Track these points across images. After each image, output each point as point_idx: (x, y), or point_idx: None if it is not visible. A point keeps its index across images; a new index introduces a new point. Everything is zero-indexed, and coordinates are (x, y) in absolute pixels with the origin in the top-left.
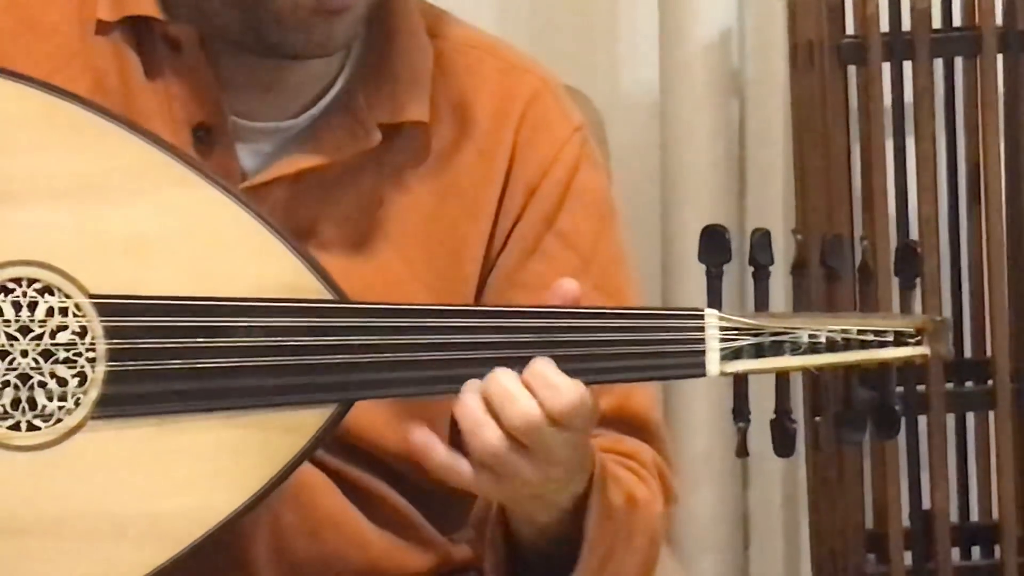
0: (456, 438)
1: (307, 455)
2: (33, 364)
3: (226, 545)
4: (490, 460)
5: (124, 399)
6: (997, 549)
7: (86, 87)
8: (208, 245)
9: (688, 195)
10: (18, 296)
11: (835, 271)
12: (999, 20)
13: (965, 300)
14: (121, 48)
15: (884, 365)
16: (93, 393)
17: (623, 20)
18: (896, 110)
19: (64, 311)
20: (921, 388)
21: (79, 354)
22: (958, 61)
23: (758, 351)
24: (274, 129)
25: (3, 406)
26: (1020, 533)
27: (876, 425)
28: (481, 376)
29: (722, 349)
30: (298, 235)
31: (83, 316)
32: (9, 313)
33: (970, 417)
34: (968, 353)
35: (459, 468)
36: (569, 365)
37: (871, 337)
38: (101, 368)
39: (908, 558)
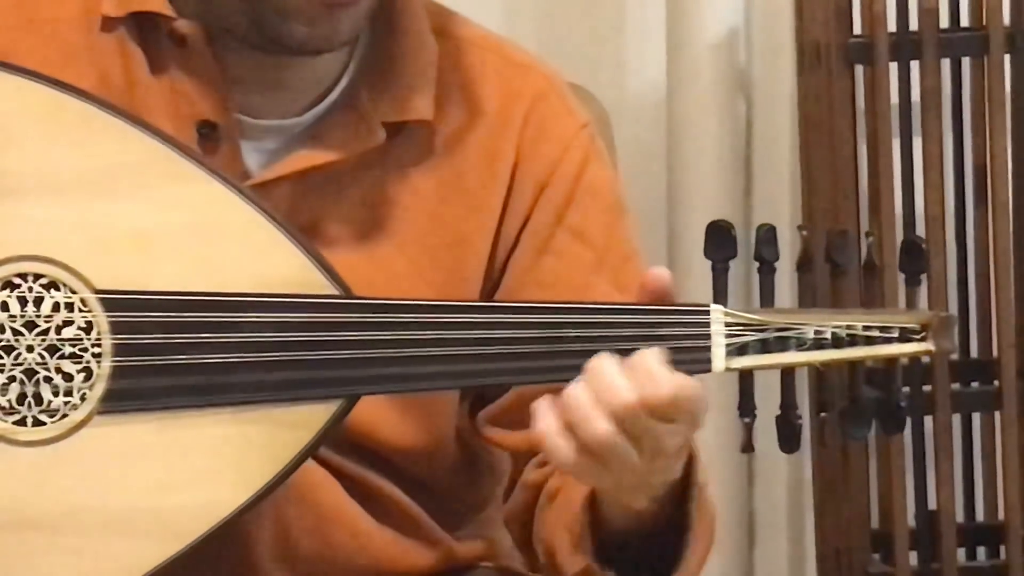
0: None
1: (312, 450)
2: (39, 359)
3: (231, 542)
4: (599, 449)
5: (130, 394)
6: (1003, 549)
7: (91, 83)
8: (213, 240)
9: (695, 194)
10: (24, 291)
11: (840, 267)
12: (1006, 20)
13: (971, 300)
14: (126, 44)
15: (889, 361)
16: (99, 388)
17: (630, 19)
18: (903, 110)
19: (70, 306)
20: (927, 388)
21: (85, 349)
22: (965, 61)
23: (764, 347)
24: (279, 127)
25: (9, 401)
26: None
27: (881, 421)
28: (486, 372)
29: (727, 345)
30: (302, 232)
31: (89, 311)
32: (15, 308)
33: (976, 417)
34: (974, 353)
35: (558, 446)
36: (578, 360)
37: (876, 333)
38: (107, 363)
39: (913, 558)
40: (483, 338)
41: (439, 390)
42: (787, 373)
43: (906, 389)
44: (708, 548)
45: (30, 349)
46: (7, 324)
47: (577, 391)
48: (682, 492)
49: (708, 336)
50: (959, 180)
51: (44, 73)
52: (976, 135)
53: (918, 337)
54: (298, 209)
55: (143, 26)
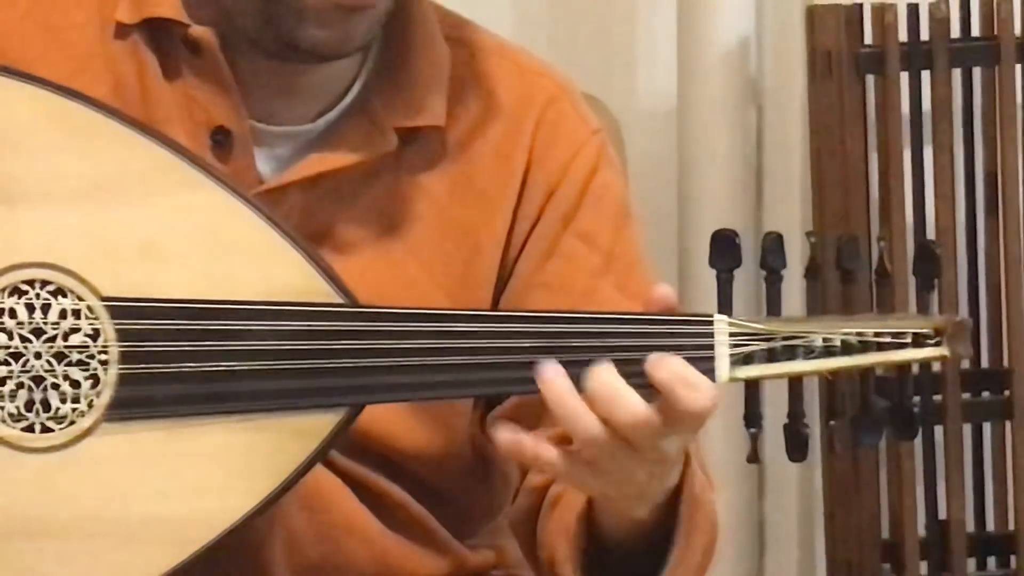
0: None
1: (318, 459)
2: (46, 366)
3: (241, 550)
4: (587, 450)
5: (136, 402)
6: (1013, 559)
7: (106, 90)
8: (220, 249)
9: (705, 202)
10: (31, 298)
11: (851, 273)
12: (1018, 30)
13: (982, 310)
14: (140, 51)
15: (901, 369)
16: (106, 395)
17: (641, 28)
18: (914, 119)
19: (77, 313)
20: (938, 398)
21: (92, 356)
22: (976, 71)
23: (770, 356)
24: (292, 133)
25: (17, 408)
26: None
27: (894, 428)
28: (491, 380)
29: (732, 355)
30: (315, 238)
31: (96, 318)
32: (22, 315)
33: (987, 427)
34: (985, 363)
35: (545, 455)
36: (582, 369)
37: (888, 339)
38: (114, 370)
39: (924, 568)
40: (489, 347)
41: (444, 399)
42: (795, 382)
43: (916, 398)
44: (708, 554)
45: (38, 356)
46: (15, 331)
47: (566, 400)
48: (677, 497)
49: (711, 346)
50: (970, 190)
51: (55, 80)
52: (987, 145)
53: (932, 342)
54: (311, 214)
55: (157, 33)
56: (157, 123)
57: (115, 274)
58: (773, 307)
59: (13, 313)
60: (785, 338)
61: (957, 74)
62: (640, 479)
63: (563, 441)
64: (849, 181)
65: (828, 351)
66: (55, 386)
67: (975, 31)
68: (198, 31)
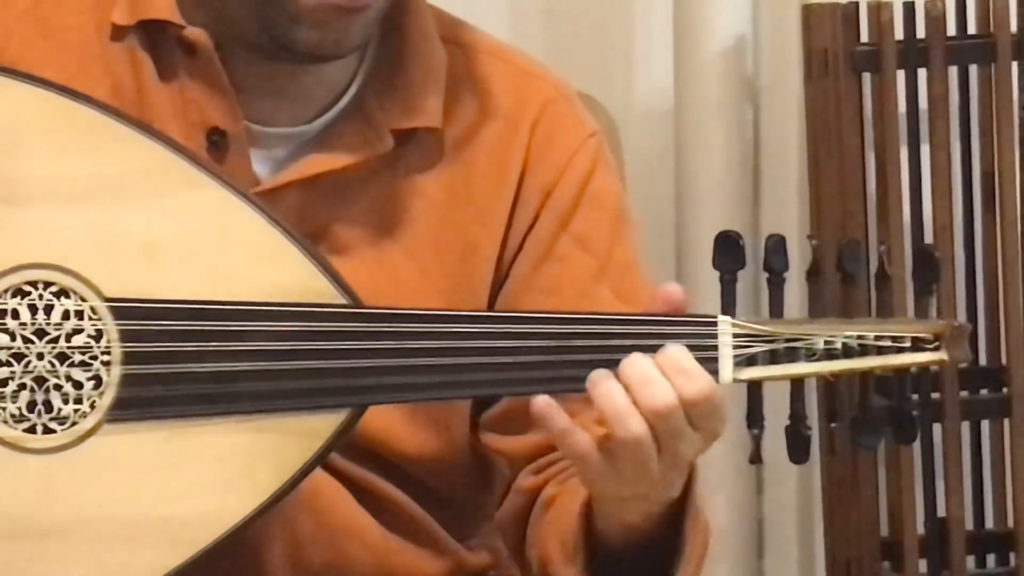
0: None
1: (320, 459)
2: (49, 367)
3: (241, 552)
4: (623, 447)
5: (139, 402)
6: (1012, 557)
7: (104, 91)
8: (222, 248)
9: (703, 202)
10: (34, 299)
11: (851, 276)
12: (1014, 27)
13: (980, 308)
14: (136, 52)
15: (900, 370)
16: (108, 396)
17: (638, 28)
18: (911, 118)
19: (80, 314)
20: (936, 396)
21: (94, 357)
22: (973, 68)
23: (772, 358)
24: (288, 134)
25: (19, 409)
26: None
27: (893, 431)
28: (493, 382)
29: (736, 356)
30: (311, 239)
31: (98, 319)
32: (25, 316)
33: (985, 425)
34: (983, 361)
35: (579, 438)
36: (584, 370)
37: (888, 343)
38: (116, 371)
39: (923, 566)
40: (490, 348)
41: (446, 399)
42: (797, 383)
43: (915, 397)
44: (700, 565)
45: (40, 357)
46: (17, 332)
47: (614, 391)
48: (676, 510)
49: (715, 347)
50: (967, 187)
51: (56, 81)
52: (984, 142)
53: (931, 347)
54: (307, 216)
55: (152, 34)
56: (153, 124)
57: (118, 275)
58: (775, 309)
59: (16, 314)
60: (787, 340)
61: (953, 72)
62: (652, 480)
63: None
64: (846, 179)
65: (829, 354)
66: (57, 387)
67: (971, 29)
68: (193, 32)
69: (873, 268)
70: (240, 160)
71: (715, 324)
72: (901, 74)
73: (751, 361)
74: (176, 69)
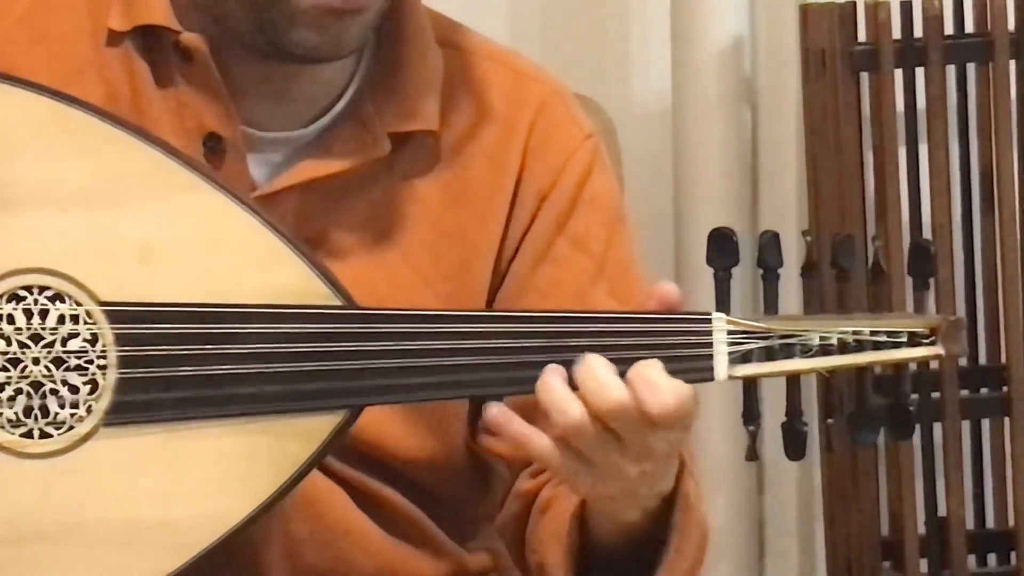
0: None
1: (317, 461)
2: (45, 372)
3: (240, 554)
4: (574, 438)
5: (135, 406)
6: (1013, 556)
7: (99, 98)
8: (218, 252)
9: (700, 202)
10: (29, 303)
11: (846, 271)
12: (1011, 26)
13: (979, 306)
14: (132, 58)
15: (898, 367)
16: (105, 400)
17: (635, 28)
18: (909, 117)
19: (75, 318)
20: (936, 395)
21: (90, 361)
22: (970, 67)
23: (768, 354)
24: (284, 139)
25: (16, 414)
26: None
27: (891, 427)
28: (489, 381)
29: (730, 353)
30: (308, 243)
31: (94, 323)
32: (20, 320)
33: (985, 423)
34: (983, 359)
35: (537, 440)
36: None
37: (884, 338)
38: (112, 375)
39: (924, 566)
40: (486, 348)
41: (443, 400)
42: (793, 380)
43: (915, 396)
44: (698, 563)
45: (36, 361)
46: (13, 337)
47: (550, 378)
48: (672, 504)
49: (710, 344)
50: (965, 187)
51: (50, 87)
52: (982, 141)
53: (927, 341)
54: (304, 220)
55: (148, 40)
56: (149, 130)
57: (113, 278)
58: (770, 305)
59: (11, 319)
60: (782, 336)
61: (951, 71)
62: (631, 476)
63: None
64: (844, 179)
65: (825, 350)
66: (54, 391)
67: (969, 27)
68: (189, 38)
69: (869, 264)
70: (237, 165)
71: (709, 321)
72: (899, 73)
73: (746, 358)
74: (172, 74)
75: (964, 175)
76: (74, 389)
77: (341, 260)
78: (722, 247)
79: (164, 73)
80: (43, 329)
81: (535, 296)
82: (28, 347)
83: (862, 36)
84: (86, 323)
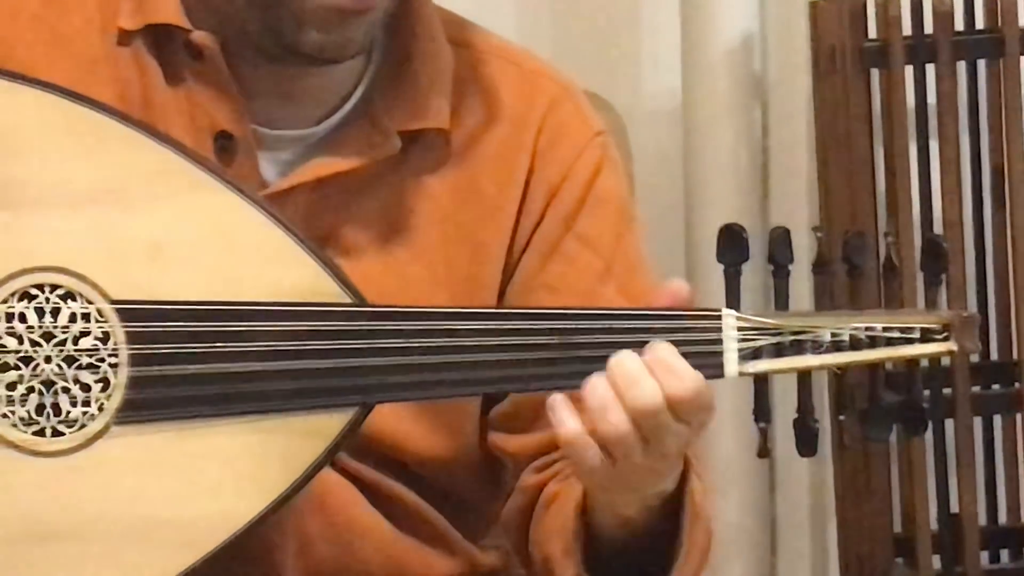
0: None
1: (328, 459)
2: (56, 370)
3: (252, 552)
4: (612, 442)
5: (147, 404)
6: None
7: (111, 97)
8: (228, 250)
9: (711, 200)
10: (41, 302)
11: (858, 268)
12: (1022, 22)
13: (991, 302)
14: (143, 57)
15: (910, 363)
16: (116, 398)
17: (645, 26)
18: (919, 113)
19: (87, 316)
20: (948, 391)
21: (102, 359)
22: (981, 63)
23: (778, 351)
24: (295, 137)
25: (28, 412)
26: None
27: (904, 423)
28: (500, 379)
29: (740, 350)
30: (319, 241)
31: (105, 321)
32: (32, 319)
33: (997, 420)
34: (995, 356)
35: (570, 424)
36: (589, 366)
37: (897, 334)
38: (124, 373)
39: (936, 562)
40: (496, 344)
41: (453, 397)
42: (804, 376)
43: (926, 393)
44: (703, 560)
45: (48, 360)
46: (25, 335)
47: (599, 385)
48: (675, 505)
49: (720, 341)
50: (976, 183)
51: (62, 86)
52: (993, 137)
53: (940, 337)
54: (315, 218)
55: (159, 38)
56: (160, 128)
57: (124, 277)
58: (781, 302)
59: (23, 317)
60: (793, 333)
61: (962, 67)
62: (643, 475)
63: None
64: (855, 176)
65: (836, 346)
66: (65, 390)
67: (979, 24)
68: (200, 36)
69: (881, 260)
70: (248, 163)
71: (719, 318)
72: (909, 70)
73: (757, 354)
74: (183, 73)
75: (975, 171)
76: (86, 387)
77: (351, 258)
78: (733, 243)
79: (175, 72)
80: (55, 327)
81: (543, 292)
82: (40, 345)
83: (872, 33)
84: (97, 321)
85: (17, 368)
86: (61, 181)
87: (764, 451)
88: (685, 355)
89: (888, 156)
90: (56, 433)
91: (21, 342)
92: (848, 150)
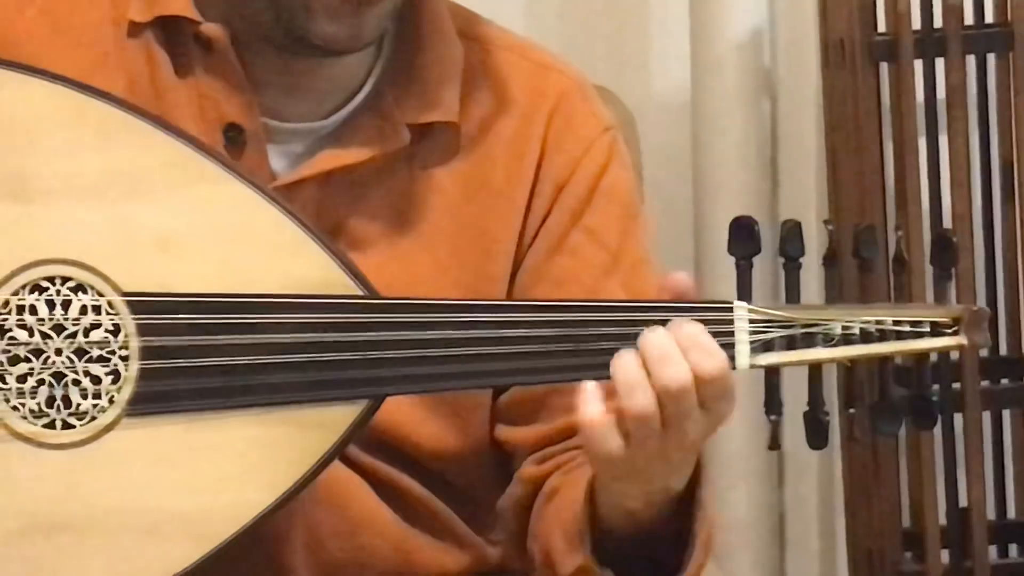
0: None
1: (338, 451)
2: (67, 362)
3: (262, 544)
4: (635, 422)
5: (157, 396)
6: None
7: (120, 88)
8: (239, 242)
9: (721, 193)
10: (51, 294)
11: (868, 261)
12: None
13: (1000, 297)
14: (153, 49)
15: (920, 357)
16: (126, 391)
17: (654, 20)
18: (928, 107)
19: (97, 309)
20: (957, 386)
21: (112, 352)
22: (990, 57)
23: (789, 343)
24: (304, 130)
25: (38, 404)
26: None
27: (913, 415)
28: (510, 370)
29: (752, 342)
30: (328, 234)
31: (116, 314)
32: (43, 311)
33: (1006, 414)
34: (1004, 350)
35: (592, 408)
36: (599, 359)
37: (907, 328)
38: (134, 366)
39: (945, 556)
40: (506, 337)
41: (463, 389)
42: (815, 369)
43: (936, 387)
44: (705, 558)
45: (58, 352)
46: (35, 327)
47: (630, 362)
48: (681, 505)
49: (732, 333)
50: (986, 177)
51: (71, 78)
52: (1002, 131)
53: (950, 332)
54: (324, 210)
55: (169, 30)
56: (170, 120)
57: (134, 269)
58: (791, 295)
59: (34, 310)
60: (804, 326)
61: (971, 61)
62: (654, 462)
63: None
64: (864, 170)
65: (847, 339)
66: (76, 382)
67: (988, 18)
68: (209, 28)
69: (891, 254)
70: (257, 156)
71: (731, 310)
72: (919, 63)
73: (768, 347)
74: (193, 65)
75: (984, 165)
76: (96, 380)
77: (361, 250)
78: (743, 236)
79: (185, 64)
80: (65, 320)
81: (549, 285)
82: (51, 338)
83: (881, 27)
84: (108, 313)
85: (28, 360)
86: (71, 174)
87: (775, 444)
88: None
89: (897, 150)
90: (66, 425)
91: (32, 334)
92: (857, 144)
